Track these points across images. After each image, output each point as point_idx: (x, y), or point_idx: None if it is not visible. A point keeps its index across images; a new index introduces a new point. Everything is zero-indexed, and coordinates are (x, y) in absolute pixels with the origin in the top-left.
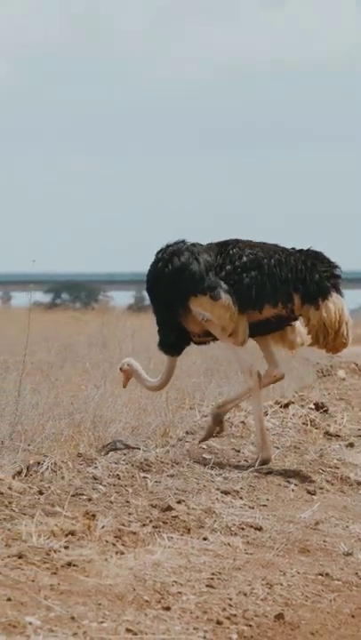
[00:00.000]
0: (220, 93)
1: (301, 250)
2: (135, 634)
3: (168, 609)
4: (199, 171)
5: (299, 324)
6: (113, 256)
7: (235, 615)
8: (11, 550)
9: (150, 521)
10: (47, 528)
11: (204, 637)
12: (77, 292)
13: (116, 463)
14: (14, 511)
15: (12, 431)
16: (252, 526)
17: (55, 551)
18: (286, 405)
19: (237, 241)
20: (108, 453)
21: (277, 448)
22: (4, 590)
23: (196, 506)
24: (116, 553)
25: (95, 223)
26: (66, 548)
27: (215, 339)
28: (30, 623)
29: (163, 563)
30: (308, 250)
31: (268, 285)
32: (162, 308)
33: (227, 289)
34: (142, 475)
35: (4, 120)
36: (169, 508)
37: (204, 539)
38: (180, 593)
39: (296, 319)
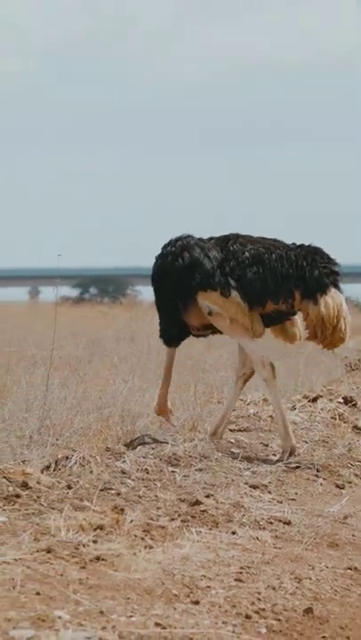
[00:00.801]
0: (220, 93)
1: (302, 245)
2: (164, 628)
3: (197, 603)
4: (199, 170)
5: (298, 318)
6: (139, 250)
7: (263, 609)
8: (39, 545)
9: (179, 515)
10: (76, 522)
11: (233, 631)
12: (105, 286)
13: (144, 457)
14: (43, 506)
15: (41, 426)
16: (280, 520)
17: (84, 545)
18: (315, 399)
19: (238, 236)
20: (136, 448)
21: (306, 442)
22: (33, 584)
23: (225, 500)
24: (145, 547)
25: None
26: (94, 542)
27: (213, 332)
28: (59, 617)
29: (191, 557)
30: (308, 245)
31: (271, 281)
32: (166, 301)
33: (235, 286)
34: (171, 469)
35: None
36: (197, 503)
37: (233, 533)
38: (208, 587)
39: (295, 314)
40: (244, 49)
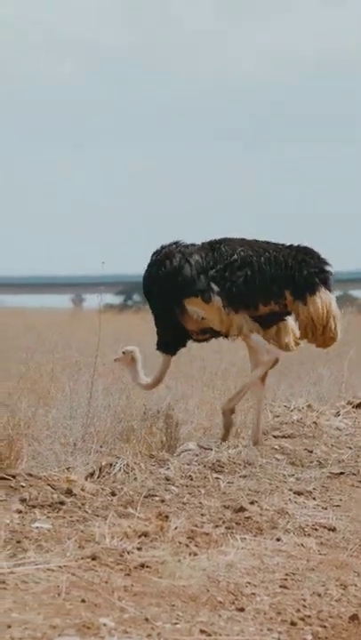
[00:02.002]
0: (277, 87)
1: (291, 245)
2: (209, 635)
3: (242, 610)
4: (251, 166)
5: (292, 323)
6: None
7: (309, 616)
8: (84, 552)
9: (223, 522)
10: (120, 529)
11: (279, 638)
12: None
13: (188, 464)
14: (87, 513)
15: (85, 433)
16: (325, 527)
17: (128, 552)
18: (359, 405)
19: (228, 239)
20: (180, 454)
21: (350, 448)
22: (78, 592)
23: (269, 507)
24: (190, 554)
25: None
26: (139, 549)
27: (213, 335)
28: (104, 624)
29: (236, 564)
30: (297, 245)
31: (260, 283)
32: (160, 310)
33: (218, 290)
34: (215, 475)
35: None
36: (242, 509)
37: (278, 539)
38: (253, 594)
39: (290, 313)
40: (300, 42)
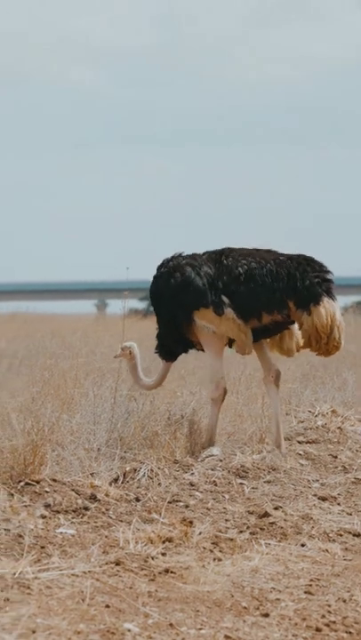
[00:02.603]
0: (313, 94)
1: (292, 256)
2: None
3: (267, 616)
4: (290, 170)
5: (297, 329)
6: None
7: (334, 622)
8: (108, 557)
9: (247, 527)
10: (144, 535)
11: None
12: None
13: (212, 469)
14: (111, 518)
15: (109, 438)
16: (350, 532)
17: (153, 558)
18: None
19: (231, 250)
20: (204, 460)
21: None
22: (103, 597)
23: (294, 512)
24: (214, 559)
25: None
26: (163, 554)
27: None
28: (129, 630)
29: (260, 569)
30: (299, 255)
31: (263, 294)
32: (166, 321)
33: (228, 302)
34: (239, 481)
35: (91, 124)
36: (266, 515)
37: (302, 545)
38: (278, 599)
39: (293, 323)
40: (336, 49)
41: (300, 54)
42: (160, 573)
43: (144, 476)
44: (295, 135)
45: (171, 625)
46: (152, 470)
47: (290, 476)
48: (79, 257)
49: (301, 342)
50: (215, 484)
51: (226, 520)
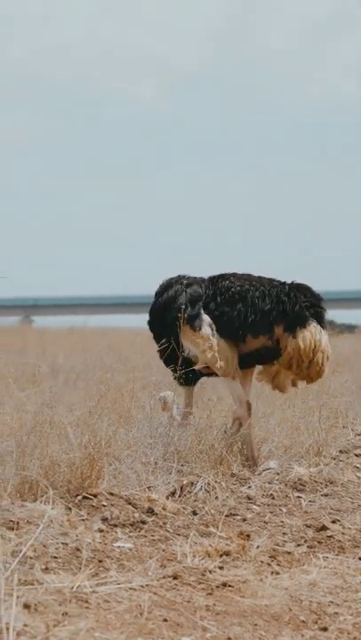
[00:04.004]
0: None
1: (285, 282)
2: None
3: (325, 629)
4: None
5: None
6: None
7: None
8: (166, 571)
9: (305, 541)
10: (202, 548)
11: None
12: None
13: (269, 483)
14: (169, 532)
15: (166, 452)
16: None
17: (210, 571)
18: None
19: (232, 275)
20: (261, 473)
21: None
22: (160, 611)
23: (351, 525)
24: (272, 573)
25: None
26: (221, 568)
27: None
28: None
29: (318, 583)
30: (292, 282)
31: (250, 315)
32: (164, 342)
33: (210, 322)
34: (296, 494)
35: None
36: (324, 528)
37: (360, 558)
38: (336, 613)
39: (281, 350)
40: None
41: None
42: (218, 587)
43: (201, 489)
44: None
45: (229, 639)
46: (209, 484)
47: (347, 489)
48: (139, 271)
49: (284, 364)
50: (272, 498)
51: (283, 533)
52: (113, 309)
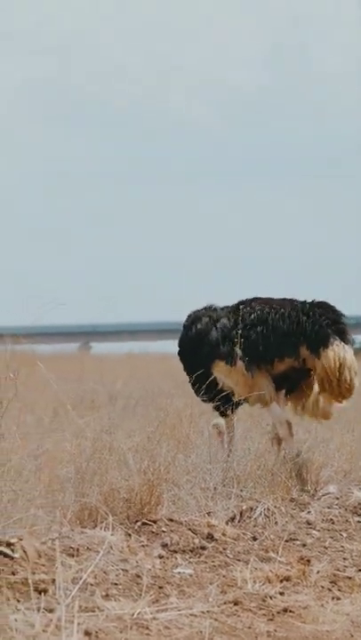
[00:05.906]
0: None
1: (305, 301)
2: None
3: None
4: None
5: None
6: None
7: None
8: (227, 597)
9: None
10: (262, 574)
11: None
12: None
13: (329, 507)
14: (229, 557)
15: (225, 477)
16: None
17: (271, 597)
18: None
19: (253, 299)
20: (320, 498)
21: None
22: (222, 637)
23: None
24: (333, 598)
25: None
26: (281, 594)
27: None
28: None
29: None
30: (312, 301)
31: (273, 339)
32: (196, 373)
33: (241, 355)
34: (356, 519)
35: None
36: None
37: None
38: None
39: (311, 370)
40: None
41: None
42: (278, 613)
43: (261, 514)
44: None
45: None
46: (268, 509)
47: None
48: (194, 297)
49: (317, 385)
50: (332, 522)
51: (344, 558)
52: (172, 335)
